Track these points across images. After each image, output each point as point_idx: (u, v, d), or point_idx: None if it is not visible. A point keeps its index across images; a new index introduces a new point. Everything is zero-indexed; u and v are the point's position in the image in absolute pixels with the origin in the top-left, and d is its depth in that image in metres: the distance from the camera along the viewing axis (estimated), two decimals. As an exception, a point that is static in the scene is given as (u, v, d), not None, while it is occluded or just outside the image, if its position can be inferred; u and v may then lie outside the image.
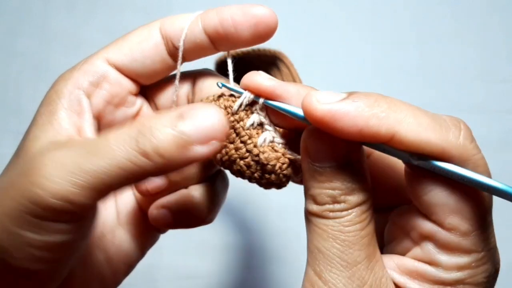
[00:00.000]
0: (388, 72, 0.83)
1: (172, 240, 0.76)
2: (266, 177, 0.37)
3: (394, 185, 0.37)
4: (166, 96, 0.42)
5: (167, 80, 0.42)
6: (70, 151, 0.32)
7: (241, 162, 0.37)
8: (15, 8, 0.86)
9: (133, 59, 0.39)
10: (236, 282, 0.77)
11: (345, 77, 0.82)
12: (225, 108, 0.37)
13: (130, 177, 0.31)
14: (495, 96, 0.82)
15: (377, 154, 0.37)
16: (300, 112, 0.34)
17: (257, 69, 0.37)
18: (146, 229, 0.45)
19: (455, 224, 0.32)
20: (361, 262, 0.32)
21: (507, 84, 0.82)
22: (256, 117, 0.37)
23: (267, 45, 0.83)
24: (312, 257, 0.33)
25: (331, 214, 0.33)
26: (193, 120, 0.32)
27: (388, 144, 0.31)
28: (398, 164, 0.37)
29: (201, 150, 0.31)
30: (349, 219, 0.32)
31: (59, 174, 0.30)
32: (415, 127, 0.31)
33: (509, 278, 0.70)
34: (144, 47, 0.39)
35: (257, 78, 0.36)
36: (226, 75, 0.40)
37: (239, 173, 0.38)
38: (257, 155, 0.36)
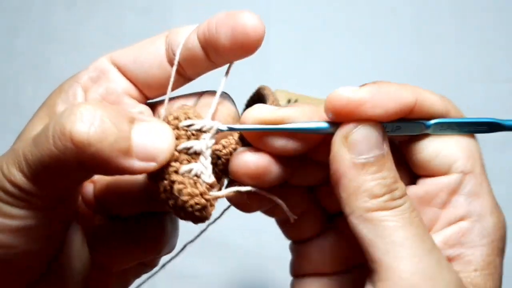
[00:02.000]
0: (388, 72, 0.83)
1: (172, 240, 0.76)
2: (178, 210, 0.33)
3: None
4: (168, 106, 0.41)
5: (174, 100, 0.40)
6: (27, 139, 0.32)
7: (161, 182, 0.33)
8: (15, 8, 0.86)
9: (134, 61, 0.39)
10: (236, 282, 0.77)
11: (345, 77, 0.82)
12: (175, 119, 0.34)
13: (64, 168, 0.30)
14: (495, 96, 0.82)
15: None
16: (307, 125, 0.34)
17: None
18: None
19: (473, 167, 0.35)
20: (433, 243, 0.32)
21: (507, 84, 0.82)
22: (197, 144, 0.34)
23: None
24: (390, 256, 0.31)
25: (393, 203, 0.33)
26: (144, 132, 0.31)
27: (410, 115, 0.35)
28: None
29: (138, 164, 0.31)
30: (408, 205, 0.33)
31: (12, 162, 0.31)
32: (424, 93, 0.35)
33: (510, 278, 0.70)
34: (146, 51, 0.39)
35: (255, 113, 0.35)
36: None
37: (155, 193, 0.34)
38: (173, 182, 0.32)
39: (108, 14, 0.85)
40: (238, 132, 0.37)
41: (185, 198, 0.32)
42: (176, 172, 0.33)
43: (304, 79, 0.82)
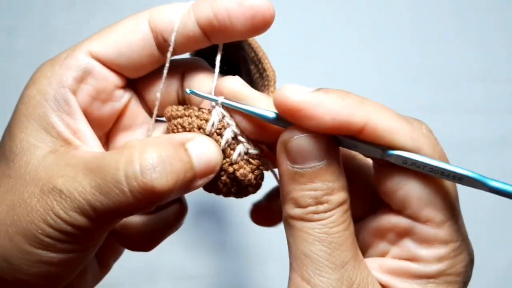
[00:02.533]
0: (388, 72, 0.83)
1: (172, 240, 0.76)
2: (243, 191, 0.38)
3: (364, 195, 0.37)
4: (155, 90, 0.40)
5: (155, 73, 0.40)
6: (77, 181, 0.33)
7: (218, 182, 0.37)
8: (15, 8, 0.86)
9: (119, 53, 0.36)
10: (236, 282, 0.77)
11: (344, 78, 0.82)
12: (199, 128, 0.36)
13: (137, 212, 0.34)
14: (495, 96, 0.82)
15: (349, 165, 0.37)
16: (268, 114, 0.34)
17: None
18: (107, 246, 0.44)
19: (430, 216, 0.33)
20: (348, 263, 0.32)
21: (507, 84, 0.82)
22: (229, 133, 0.36)
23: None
24: (298, 263, 0.33)
25: (315, 216, 0.32)
26: (199, 153, 0.34)
27: (360, 137, 0.32)
28: (367, 172, 0.37)
29: (200, 183, 0.35)
30: (333, 220, 0.32)
31: (71, 206, 0.32)
32: (385, 117, 0.32)
33: (509, 278, 0.71)
34: (131, 40, 0.36)
35: (229, 84, 0.36)
36: (209, 62, 0.39)
37: (214, 191, 0.38)
38: (233, 172, 0.37)
39: (108, 14, 0.85)
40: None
41: (249, 176, 0.37)
42: (231, 164, 0.36)
43: (303, 79, 0.82)
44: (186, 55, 0.42)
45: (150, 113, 0.41)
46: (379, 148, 0.32)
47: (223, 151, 0.36)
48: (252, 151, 0.37)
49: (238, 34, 0.36)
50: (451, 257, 0.33)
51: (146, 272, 0.75)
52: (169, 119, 0.38)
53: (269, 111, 0.34)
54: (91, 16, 0.85)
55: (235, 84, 0.36)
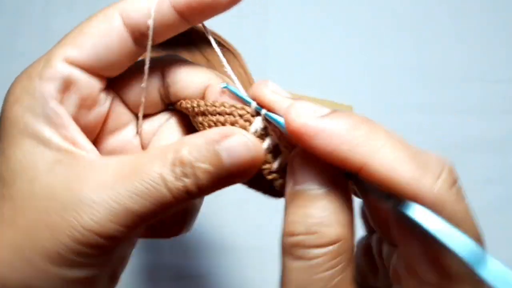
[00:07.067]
0: (387, 72, 0.83)
1: (172, 240, 0.76)
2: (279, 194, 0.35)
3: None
4: (133, 90, 0.39)
5: (132, 72, 0.38)
6: (111, 182, 0.31)
7: (257, 184, 0.37)
8: (15, 8, 0.86)
9: (97, 56, 0.34)
10: (236, 282, 0.77)
11: (344, 78, 0.82)
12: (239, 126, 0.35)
13: (170, 209, 0.32)
14: (495, 96, 0.82)
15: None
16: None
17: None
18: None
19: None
20: None
21: (507, 84, 0.82)
22: (270, 141, 0.34)
23: (260, 42, 0.83)
24: None
25: (300, 252, 0.28)
26: (234, 154, 0.32)
27: (359, 175, 0.28)
28: None
29: (237, 181, 0.33)
30: (320, 262, 0.27)
31: (102, 216, 0.30)
32: (388, 162, 0.27)
33: (509, 278, 0.70)
34: (107, 41, 0.34)
35: (264, 91, 0.34)
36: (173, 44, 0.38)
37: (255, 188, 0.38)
38: (272, 181, 0.34)
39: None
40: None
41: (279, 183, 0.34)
42: (270, 172, 0.34)
43: (302, 79, 0.82)
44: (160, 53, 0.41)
45: (131, 112, 0.40)
46: (380, 191, 0.28)
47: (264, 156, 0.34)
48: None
49: (220, 6, 0.34)
50: None
51: (146, 272, 0.75)
52: (197, 114, 0.37)
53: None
54: (91, 16, 0.85)
55: (273, 96, 0.34)
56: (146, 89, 0.38)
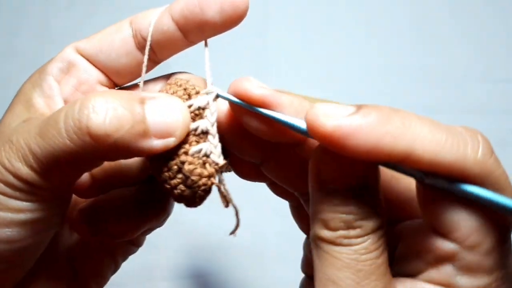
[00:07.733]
0: (388, 72, 0.83)
1: (171, 240, 0.76)
2: (181, 188, 0.33)
3: (401, 198, 0.35)
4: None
5: (144, 85, 0.40)
6: (27, 132, 0.32)
7: (167, 163, 0.33)
8: (15, 8, 0.86)
9: (100, 50, 0.38)
10: (236, 282, 0.77)
11: (345, 78, 0.82)
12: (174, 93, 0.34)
13: (80, 161, 0.31)
14: (495, 96, 0.82)
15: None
16: (297, 123, 0.31)
17: None
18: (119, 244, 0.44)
19: (478, 242, 0.29)
20: None
21: (507, 84, 0.82)
22: (203, 123, 0.33)
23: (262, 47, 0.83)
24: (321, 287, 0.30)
25: (345, 241, 0.29)
26: (156, 109, 0.31)
27: (401, 164, 0.28)
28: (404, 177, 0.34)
29: (156, 143, 0.31)
30: (365, 246, 0.29)
31: (14, 156, 0.31)
32: (432, 145, 0.27)
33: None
34: (112, 39, 0.38)
35: (246, 85, 0.32)
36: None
37: (158, 172, 0.34)
38: (183, 163, 0.32)
39: (108, 14, 0.85)
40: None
41: (195, 178, 0.32)
42: (186, 153, 0.33)
43: (303, 79, 0.82)
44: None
45: None
46: (419, 172, 0.29)
47: (187, 136, 0.33)
48: (215, 158, 0.33)
49: (210, 24, 0.35)
50: None
51: (145, 272, 0.75)
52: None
53: (302, 122, 0.30)
54: (90, 16, 0.85)
55: (262, 90, 0.32)
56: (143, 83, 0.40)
